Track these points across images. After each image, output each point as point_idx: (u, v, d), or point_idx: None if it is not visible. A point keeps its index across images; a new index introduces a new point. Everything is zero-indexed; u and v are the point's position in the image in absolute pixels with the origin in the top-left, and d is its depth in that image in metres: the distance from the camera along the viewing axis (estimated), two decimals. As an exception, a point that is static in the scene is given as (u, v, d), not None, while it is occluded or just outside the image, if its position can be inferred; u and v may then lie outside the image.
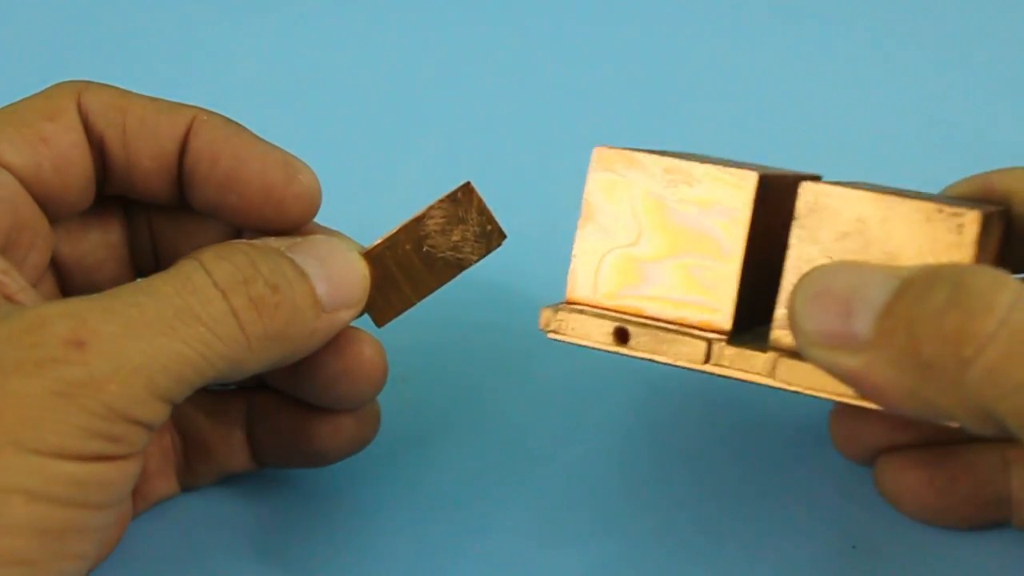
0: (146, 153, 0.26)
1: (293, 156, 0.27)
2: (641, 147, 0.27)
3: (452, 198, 0.27)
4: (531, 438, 0.33)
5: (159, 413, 0.22)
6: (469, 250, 0.28)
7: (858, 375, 0.22)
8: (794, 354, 0.24)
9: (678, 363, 0.26)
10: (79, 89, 0.26)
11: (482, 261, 0.28)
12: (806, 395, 0.24)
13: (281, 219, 0.27)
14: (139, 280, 0.23)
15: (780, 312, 0.25)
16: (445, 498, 0.31)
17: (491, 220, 0.27)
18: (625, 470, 0.32)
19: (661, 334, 0.26)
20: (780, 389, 0.25)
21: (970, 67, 0.47)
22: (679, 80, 0.47)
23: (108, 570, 0.28)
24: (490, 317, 0.36)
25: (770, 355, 0.25)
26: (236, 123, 0.27)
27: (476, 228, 0.27)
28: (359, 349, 0.27)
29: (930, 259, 0.23)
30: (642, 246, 0.26)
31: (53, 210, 0.26)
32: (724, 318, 0.25)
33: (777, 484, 0.31)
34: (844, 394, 0.24)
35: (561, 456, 0.32)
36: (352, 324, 0.27)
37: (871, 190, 0.24)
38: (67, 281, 0.28)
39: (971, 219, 0.23)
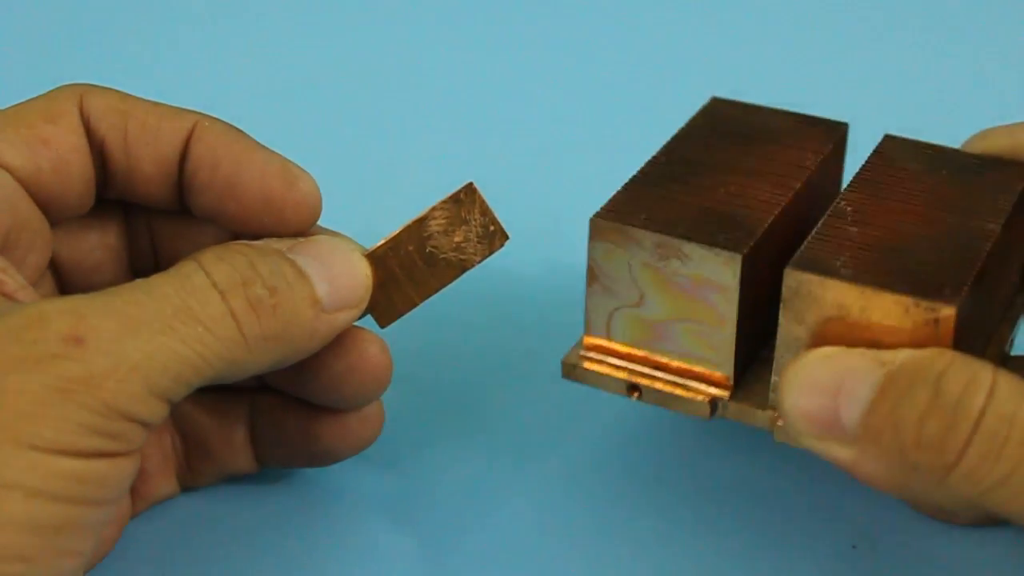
0: (147, 158, 0.26)
1: (293, 163, 0.27)
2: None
3: (455, 199, 0.27)
4: (531, 438, 0.33)
5: (157, 411, 0.22)
6: (472, 251, 0.28)
7: (849, 466, 0.24)
8: None
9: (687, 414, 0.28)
10: (81, 92, 0.26)
11: (483, 261, 0.28)
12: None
13: (280, 226, 0.27)
14: (139, 279, 0.23)
15: (775, 379, 0.26)
16: (445, 498, 0.31)
17: (494, 221, 0.27)
18: (625, 469, 0.32)
19: (668, 391, 0.28)
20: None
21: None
22: (679, 80, 0.47)
23: (108, 570, 0.28)
24: (490, 317, 0.36)
25: (769, 414, 0.27)
26: (237, 129, 0.27)
27: (479, 229, 0.27)
28: (365, 348, 0.27)
29: (911, 345, 0.24)
30: (646, 307, 0.27)
31: (52, 212, 0.26)
32: (726, 375, 0.27)
33: (777, 484, 0.31)
34: None
35: (561, 455, 0.32)
36: (355, 324, 0.27)
37: (851, 280, 0.25)
38: (65, 282, 0.28)
39: (945, 315, 0.24)
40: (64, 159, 0.26)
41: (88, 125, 0.26)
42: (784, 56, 0.49)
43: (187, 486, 0.30)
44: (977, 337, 0.27)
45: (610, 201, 0.28)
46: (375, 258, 0.27)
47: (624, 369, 0.28)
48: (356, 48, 0.48)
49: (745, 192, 0.28)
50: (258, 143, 0.27)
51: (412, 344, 0.29)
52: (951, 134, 0.31)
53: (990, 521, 0.29)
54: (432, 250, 0.27)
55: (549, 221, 0.40)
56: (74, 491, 0.20)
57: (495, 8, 0.50)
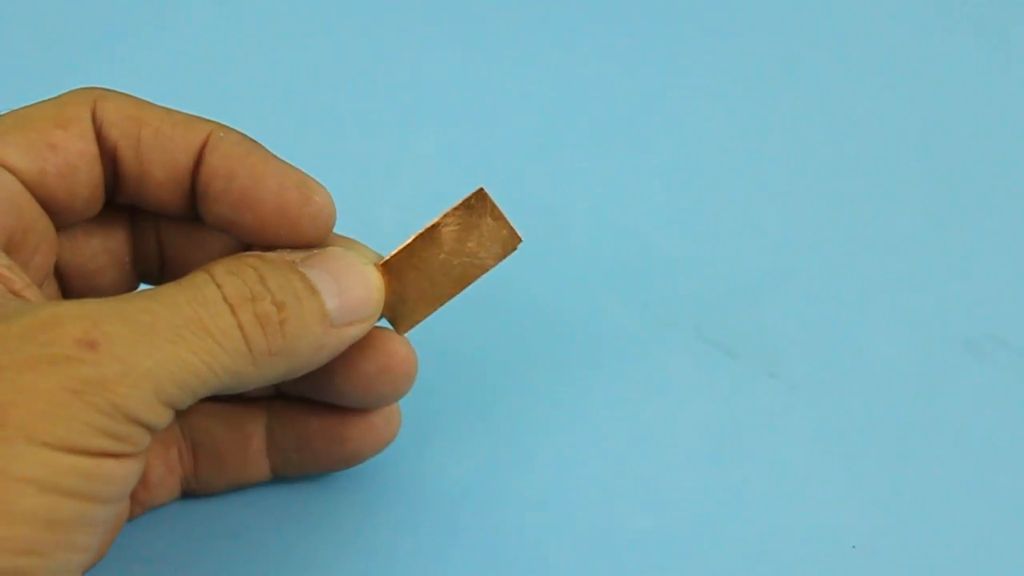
0: (159, 165, 0.26)
1: (309, 176, 0.27)
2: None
3: (466, 205, 0.27)
4: (531, 438, 0.33)
5: (163, 417, 0.22)
6: (485, 255, 0.28)
7: None
8: None
9: None
10: (95, 97, 0.26)
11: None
12: None
13: (295, 238, 0.27)
14: (151, 287, 0.24)
15: None
16: (445, 498, 0.31)
17: (506, 224, 0.28)
18: (624, 469, 0.32)
19: None
20: None
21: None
22: (677, 78, 0.47)
23: (109, 570, 0.28)
24: (490, 316, 0.36)
25: None
26: (253, 140, 0.27)
27: (491, 234, 0.28)
28: (394, 348, 0.28)
29: None
30: None
31: (58, 216, 0.26)
32: None
33: (777, 484, 0.31)
34: None
35: (560, 454, 0.32)
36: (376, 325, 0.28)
37: None
38: (68, 285, 0.28)
39: None
40: (71, 164, 0.26)
41: (101, 131, 0.26)
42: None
43: (192, 496, 0.30)
44: None
45: None
46: (390, 267, 0.27)
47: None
48: (353, 49, 0.48)
49: None
50: (273, 154, 0.27)
51: (412, 344, 0.29)
52: None
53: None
54: (446, 257, 0.28)
55: (549, 221, 0.40)
56: (84, 488, 0.21)
57: (493, 8, 0.50)
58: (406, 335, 0.28)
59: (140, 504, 0.29)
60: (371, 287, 0.27)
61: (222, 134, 0.27)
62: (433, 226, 0.27)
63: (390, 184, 0.41)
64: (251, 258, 0.25)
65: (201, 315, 0.23)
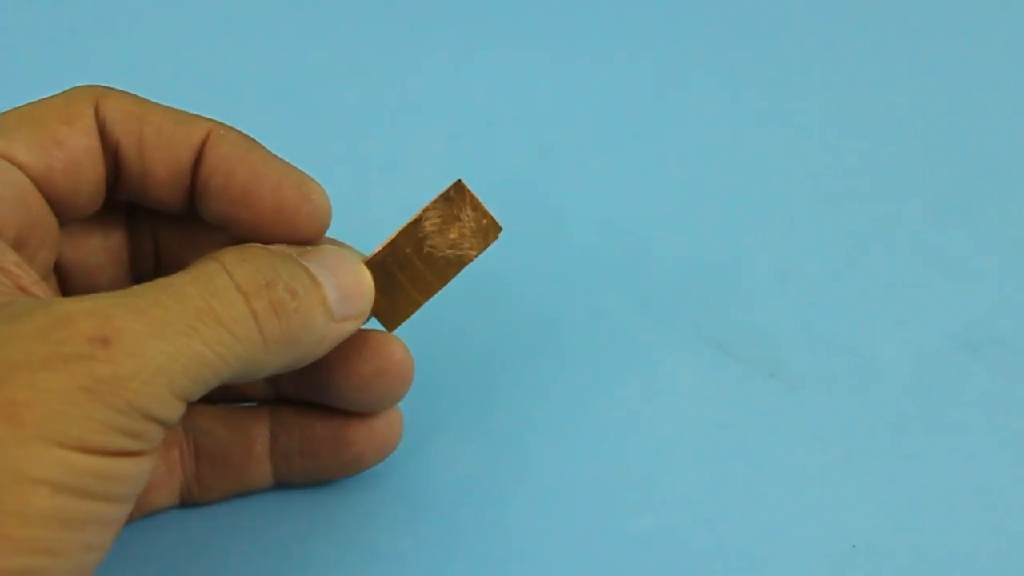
0: (161, 162, 0.27)
1: (307, 175, 0.27)
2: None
3: (445, 197, 0.28)
4: (531, 438, 0.33)
5: (176, 411, 0.22)
6: (468, 246, 0.28)
7: None
8: None
9: None
10: (97, 94, 0.26)
11: (481, 256, 0.29)
12: None
13: (291, 236, 0.27)
14: (160, 279, 0.23)
15: None
16: (445, 498, 0.31)
17: (486, 214, 0.28)
18: (624, 469, 0.32)
19: None
20: None
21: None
22: (678, 79, 0.47)
23: (108, 573, 0.28)
24: (490, 317, 0.36)
25: None
26: (252, 139, 0.27)
27: (472, 224, 0.28)
28: (391, 350, 0.28)
29: None
30: None
31: (62, 212, 0.26)
32: None
33: (777, 484, 0.31)
34: None
35: (560, 454, 0.32)
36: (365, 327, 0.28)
37: None
38: (66, 282, 0.28)
39: None
40: (76, 161, 0.26)
41: (103, 128, 0.26)
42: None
43: (193, 502, 0.30)
44: None
45: None
46: (374, 264, 0.28)
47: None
48: (353, 49, 0.48)
49: None
50: (272, 153, 0.27)
51: (412, 345, 0.29)
52: None
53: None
54: (430, 250, 0.28)
55: (549, 220, 0.40)
56: (98, 488, 0.21)
57: (493, 9, 0.50)
58: (403, 340, 0.29)
59: (138, 507, 0.29)
60: (364, 283, 0.27)
61: (222, 132, 0.27)
62: (414, 221, 0.28)
63: (390, 184, 0.41)
64: (258, 248, 0.25)
65: (213, 305, 0.23)
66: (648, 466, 0.32)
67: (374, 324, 0.29)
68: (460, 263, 0.28)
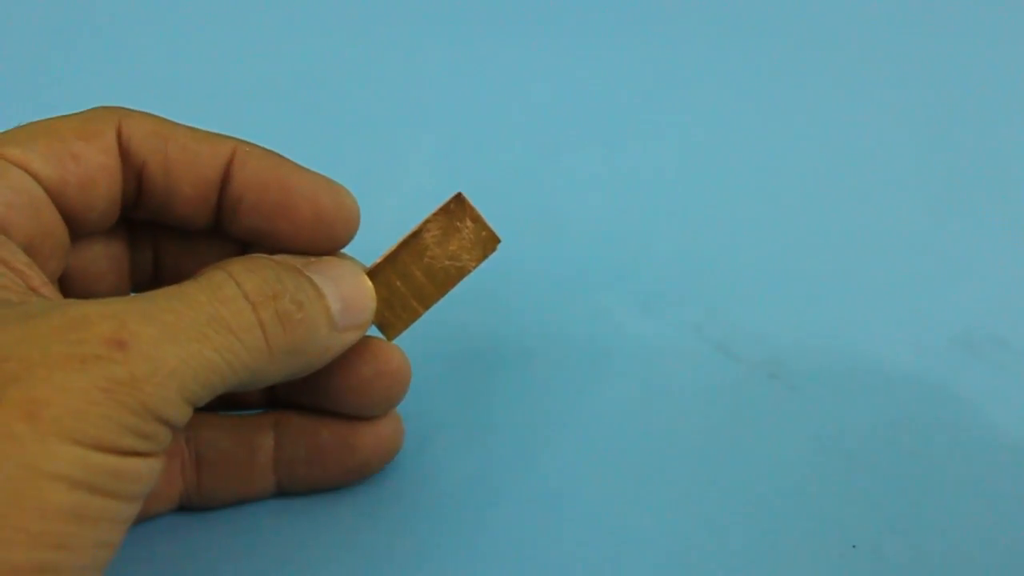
0: (187, 180, 0.27)
1: (335, 181, 0.28)
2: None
3: (445, 210, 0.28)
4: (531, 437, 0.33)
5: (185, 415, 0.23)
6: (467, 257, 0.29)
7: None
8: None
9: None
10: (120, 115, 0.27)
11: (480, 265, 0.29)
12: None
13: (329, 243, 0.28)
14: (170, 287, 0.24)
15: None
16: (445, 498, 0.31)
17: (485, 227, 0.28)
18: (624, 470, 0.32)
19: None
20: None
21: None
22: (678, 79, 0.47)
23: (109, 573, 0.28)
24: (490, 317, 0.36)
25: None
26: (275, 152, 0.28)
27: (471, 236, 0.28)
28: (389, 355, 0.29)
29: None
30: None
31: (73, 226, 0.27)
32: None
33: (777, 484, 0.31)
34: None
35: (560, 455, 0.32)
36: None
37: None
38: (67, 288, 0.29)
39: None
40: (91, 176, 0.26)
41: (128, 148, 0.27)
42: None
43: (193, 509, 0.30)
44: None
45: None
46: (375, 274, 0.28)
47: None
48: (353, 49, 0.48)
49: None
50: (297, 164, 0.28)
51: (412, 346, 0.30)
52: None
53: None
54: (429, 261, 0.28)
55: (549, 220, 0.40)
56: (112, 485, 0.21)
57: (493, 9, 0.50)
58: (400, 347, 0.29)
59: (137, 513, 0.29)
60: (366, 294, 0.28)
61: (247, 148, 0.28)
62: (415, 232, 0.28)
63: (389, 185, 0.41)
64: (264, 258, 0.26)
65: (222, 312, 0.23)
66: (648, 466, 0.32)
67: (374, 332, 0.29)
68: (459, 274, 0.29)
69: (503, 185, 0.40)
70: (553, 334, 0.36)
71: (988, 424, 0.33)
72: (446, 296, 0.29)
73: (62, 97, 0.44)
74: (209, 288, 0.24)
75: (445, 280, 0.29)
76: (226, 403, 0.30)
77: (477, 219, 0.28)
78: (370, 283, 0.28)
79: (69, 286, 0.29)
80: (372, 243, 0.29)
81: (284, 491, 0.31)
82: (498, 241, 0.29)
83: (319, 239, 0.28)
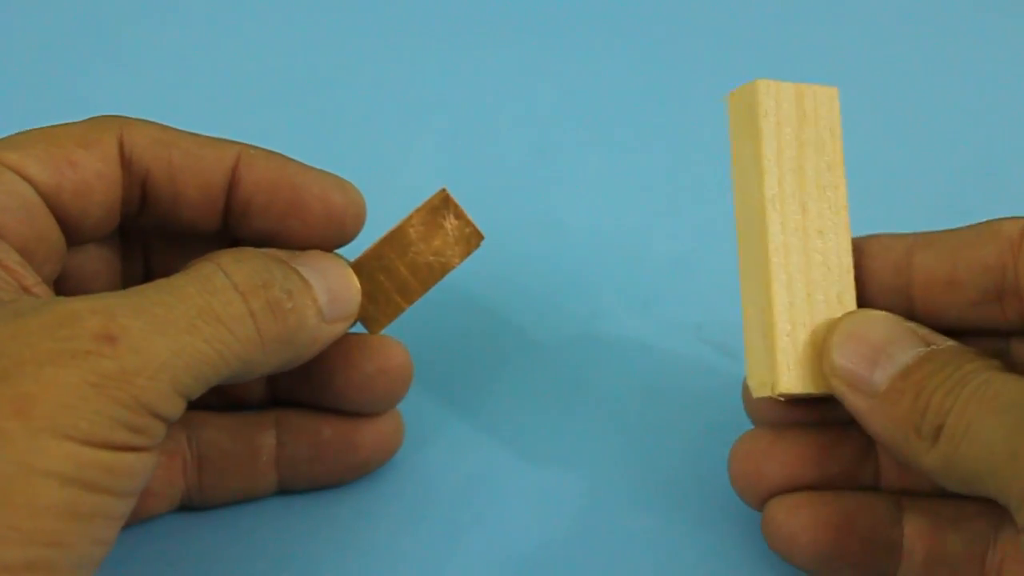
0: (192, 185, 0.27)
1: (339, 176, 0.28)
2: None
3: (430, 206, 0.29)
4: (531, 437, 0.33)
5: (178, 408, 0.23)
6: (451, 253, 0.29)
7: (862, 416, 0.26)
8: None
9: None
10: (121, 124, 0.27)
11: (479, 258, 0.29)
12: None
13: (339, 237, 0.28)
14: (159, 280, 0.24)
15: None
16: (445, 498, 0.31)
17: (468, 223, 0.29)
18: (623, 470, 0.32)
19: None
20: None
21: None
22: (678, 79, 0.47)
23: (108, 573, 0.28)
24: (490, 317, 0.36)
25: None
26: (279, 154, 0.28)
27: (455, 232, 0.29)
28: (390, 351, 0.29)
29: None
30: None
31: (69, 231, 0.27)
32: None
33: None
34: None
35: (559, 455, 0.32)
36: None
37: None
38: (60, 287, 0.29)
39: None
40: (87, 183, 0.26)
41: (132, 156, 0.27)
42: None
43: (195, 508, 0.30)
44: None
45: None
46: (358, 269, 0.28)
47: None
48: (353, 49, 0.48)
49: None
50: (302, 163, 0.28)
51: (412, 346, 0.30)
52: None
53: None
54: (413, 256, 0.29)
55: (549, 220, 0.40)
56: (105, 481, 0.21)
57: (493, 9, 0.50)
58: (402, 343, 0.29)
59: (136, 514, 0.29)
60: (352, 286, 0.28)
61: (251, 151, 0.28)
62: (399, 228, 0.29)
63: (387, 185, 0.41)
64: (253, 250, 0.26)
65: (212, 303, 0.23)
66: (648, 466, 0.32)
67: (357, 328, 0.29)
68: (443, 270, 0.29)
69: (503, 185, 0.40)
70: (553, 334, 0.36)
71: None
72: (447, 292, 0.29)
73: (62, 106, 0.44)
74: (198, 280, 0.24)
75: (428, 275, 0.29)
76: (227, 402, 0.31)
77: (461, 215, 0.29)
78: (355, 276, 0.28)
79: (63, 284, 0.29)
80: (366, 243, 0.29)
81: (286, 489, 0.31)
82: (481, 237, 0.29)
83: (329, 235, 0.28)
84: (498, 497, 0.31)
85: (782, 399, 0.26)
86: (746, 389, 0.28)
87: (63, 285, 0.29)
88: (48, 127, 0.27)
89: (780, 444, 0.28)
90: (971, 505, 0.27)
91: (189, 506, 0.30)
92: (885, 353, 0.25)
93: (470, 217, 0.29)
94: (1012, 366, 0.26)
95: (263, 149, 0.28)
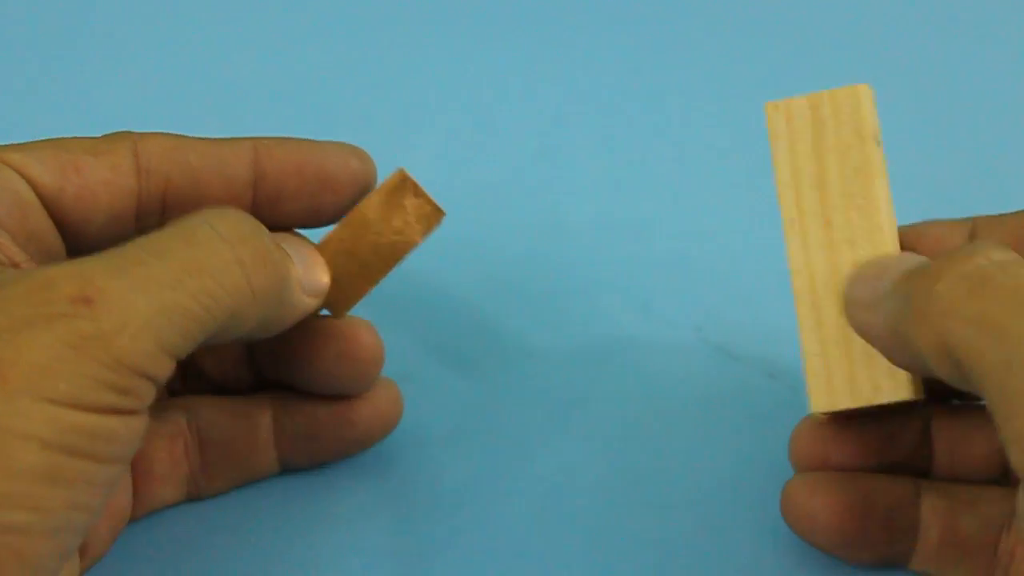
0: (216, 184, 0.27)
1: (347, 143, 0.28)
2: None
3: (388, 187, 0.29)
4: (531, 437, 0.33)
5: (165, 367, 0.22)
6: (411, 232, 0.29)
7: (870, 326, 0.25)
8: None
9: None
10: (134, 138, 0.27)
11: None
12: None
13: (352, 205, 0.28)
14: (141, 238, 0.23)
15: None
16: (445, 498, 0.31)
17: (429, 201, 0.29)
18: (623, 471, 0.32)
19: None
20: None
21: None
22: (678, 79, 0.47)
23: (109, 570, 0.28)
24: (490, 317, 0.36)
25: None
26: (288, 137, 0.28)
27: (416, 211, 0.29)
28: (356, 332, 0.29)
29: None
30: None
31: (69, 236, 0.27)
32: None
33: (777, 484, 0.31)
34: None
35: (560, 455, 0.32)
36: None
37: None
38: None
39: None
40: (91, 190, 0.26)
41: (149, 167, 0.27)
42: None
43: (198, 495, 0.30)
44: None
45: None
46: (322, 252, 0.28)
47: None
48: (353, 48, 0.48)
49: None
50: (309, 139, 0.28)
51: (411, 345, 0.30)
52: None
53: (895, 557, 0.28)
54: (374, 238, 0.29)
55: (549, 220, 0.40)
56: (87, 446, 0.21)
57: (493, 9, 0.50)
58: (370, 323, 0.29)
59: (142, 502, 0.29)
60: (321, 263, 0.28)
61: (265, 141, 0.28)
62: (357, 210, 0.29)
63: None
64: (234, 207, 0.26)
65: (198, 255, 0.23)
66: (648, 466, 0.32)
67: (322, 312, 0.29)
68: (404, 248, 0.29)
69: (503, 185, 0.40)
70: (553, 334, 0.36)
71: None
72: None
73: (65, 114, 0.44)
74: (183, 234, 0.23)
75: (391, 255, 0.29)
76: (218, 390, 0.31)
77: (420, 194, 0.29)
78: (320, 254, 0.28)
79: None
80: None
81: (288, 467, 0.31)
82: (442, 214, 0.29)
83: (351, 203, 0.28)
84: (498, 497, 0.31)
85: (824, 417, 0.26)
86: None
87: None
88: (63, 137, 0.27)
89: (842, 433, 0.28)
90: (988, 490, 0.27)
91: (195, 493, 0.30)
92: (890, 268, 0.25)
93: (430, 195, 0.29)
94: None
95: (272, 137, 0.28)
